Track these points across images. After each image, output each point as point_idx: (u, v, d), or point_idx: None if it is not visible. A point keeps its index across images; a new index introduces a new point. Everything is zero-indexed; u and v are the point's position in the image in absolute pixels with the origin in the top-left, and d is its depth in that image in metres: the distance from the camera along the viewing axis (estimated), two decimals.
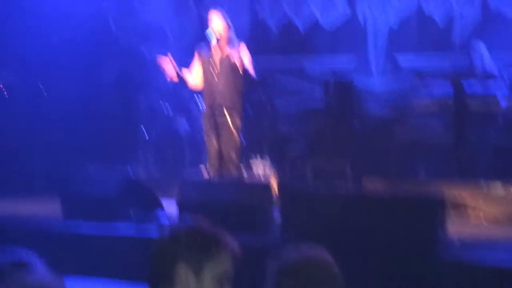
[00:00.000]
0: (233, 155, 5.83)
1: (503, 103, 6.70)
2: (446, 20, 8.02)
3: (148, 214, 5.40)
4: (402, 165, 7.21)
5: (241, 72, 5.75)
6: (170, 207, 5.50)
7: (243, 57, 5.73)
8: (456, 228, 4.97)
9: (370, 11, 8.34)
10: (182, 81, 5.94)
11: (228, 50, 5.79)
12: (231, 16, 6.01)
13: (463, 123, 6.78)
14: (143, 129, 8.14)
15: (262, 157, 7.30)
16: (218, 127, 5.84)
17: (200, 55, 5.92)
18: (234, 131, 5.79)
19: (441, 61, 7.86)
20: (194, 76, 6.00)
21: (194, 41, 8.48)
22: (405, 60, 8.13)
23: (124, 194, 5.56)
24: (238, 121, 5.82)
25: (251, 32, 8.59)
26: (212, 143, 5.86)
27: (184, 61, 8.64)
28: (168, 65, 5.79)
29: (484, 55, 6.95)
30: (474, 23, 7.90)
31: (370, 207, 4.63)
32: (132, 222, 5.31)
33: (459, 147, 6.75)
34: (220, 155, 5.89)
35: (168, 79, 5.95)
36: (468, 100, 6.74)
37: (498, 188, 6.06)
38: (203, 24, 6.11)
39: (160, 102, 8.16)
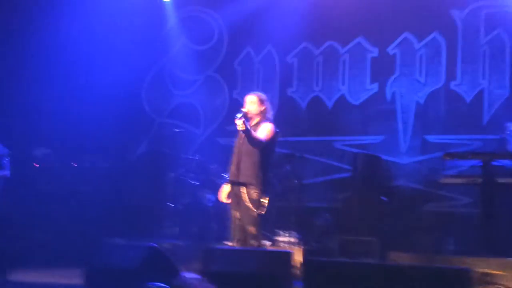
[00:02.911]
0: (251, 229, 5.82)
1: None
2: (475, 98, 8.04)
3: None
4: (430, 240, 7.05)
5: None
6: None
7: (260, 129, 5.83)
8: None
9: (398, 88, 8.44)
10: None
11: (253, 127, 5.90)
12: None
13: (492, 200, 6.65)
14: (170, 203, 8.21)
15: (288, 232, 7.26)
16: (238, 199, 5.88)
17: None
18: (250, 204, 5.80)
19: (470, 140, 7.82)
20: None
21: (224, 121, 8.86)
22: (433, 138, 8.13)
23: (147, 267, 5.54)
24: (255, 195, 5.81)
25: (281, 112, 8.77)
26: (234, 215, 5.87)
27: (215, 141, 8.92)
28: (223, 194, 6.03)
29: None
30: (503, 100, 7.90)
31: (395, 281, 4.51)
32: None
33: (488, 223, 6.60)
34: (243, 227, 5.89)
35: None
36: (497, 178, 6.65)
37: None
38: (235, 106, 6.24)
39: (187, 175, 8.26)
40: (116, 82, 8.99)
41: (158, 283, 5.36)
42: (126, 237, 7.57)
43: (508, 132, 6.95)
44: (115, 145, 8.98)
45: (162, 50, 9.65)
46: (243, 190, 5.84)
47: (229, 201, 6.02)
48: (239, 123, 5.61)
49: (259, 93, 6.13)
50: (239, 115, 5.81)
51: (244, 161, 5.88)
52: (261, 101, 5.98)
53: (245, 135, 5.74)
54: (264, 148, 5.92)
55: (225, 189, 6.04)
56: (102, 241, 7.01)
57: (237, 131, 5.92)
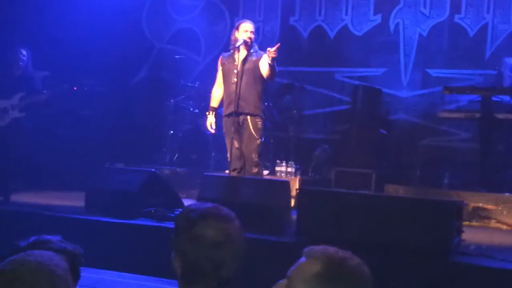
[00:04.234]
0: (254, 157, 5.90)
1: None
2: (478, 32, 7.95)
3: (169, 213, 5.46)
4: (427, 174, 7.15)
5: (262, 73, 5.83)
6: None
7: (264, 57, 5.80)
8: (475, 235, 4.91)
9: (401, 20, 8.33)
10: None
11: (250, 54, 5.88)
12: (264, 26, 6.12)
13: (490, 136, 6.70)
14: (170, 131, 8.25)
15: (287, 161, 7.34)
16: (239, 129, 5.91)
17: (222, 61, 6.05)
18: (254, 133, 5.86)
19: (471, 75, 7.78)
20: (218, 84, 6.15)
21: (224, 50, 8.76)
22: (435, 72, 8.09)
23: (147, 191, 5.63)
24: (259, 124, 5.89)
25: (282, 41, 8.66)
26: (233, 145, 5.91)
27: (215, 68, 8.86)
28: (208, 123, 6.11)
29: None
30: (506, 36, 7.82)
31: (389, 212, 4.59)
32: (153, 220, 5.37)
33: (485, 159, 6.68)
34: (241, 157, 5.95)
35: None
36: (495, 113, 6.67)
37: None
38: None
39: (187, 103, 8.26)
40: (116, 5, 8.83)
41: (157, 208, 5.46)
42: (126, 162, 7.65)
43: (505, 67, 6.91)
44: (114, 69, 8.90)
45: None
46: (249, 119, 5.87)
47: (213, 130, 6.07)
48: (274, 51, 5.56)
49: (252, 22, 6.08)
50: (240, 42, 5.80)
51: (247, 91, 5.87)
52: (254, 30, 5.96)
53: (272, 66, 5.71)
54: (264, 81, 5.94)
55: (211, 119, 6.08)
56: (103, 165, 7.09)
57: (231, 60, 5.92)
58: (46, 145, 7.50)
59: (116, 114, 8.77)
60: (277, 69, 5.84)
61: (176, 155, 8.11)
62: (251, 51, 5.93)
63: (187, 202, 5.88)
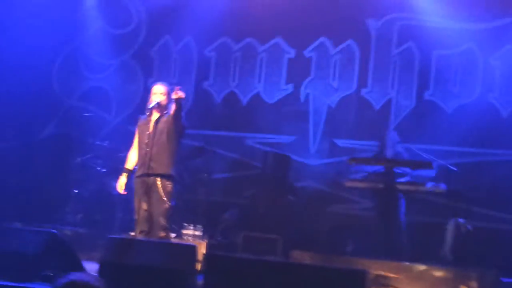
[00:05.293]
0: (162, 220, 5.80)
1: (428, 188, 6.94)
2: (383, 106, 8.35)
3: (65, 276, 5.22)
4: (332, 240, 7.28)
5: (174, 133, 5.83)
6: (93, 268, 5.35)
7: (173, 107, 5.82)
8: None
9: (312, 91, 8.63)
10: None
11: (163, 115, 5.90)
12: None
13: (391, 205, 6.96)
14: (75, 190, 8.01)
15: (195, 224, 7.27)
16: (148, 190, 5.83)
17: (138, 124, 6.04)
18: (164, 196, 5.79)
19: (376, 146, 8.12)
20: (135, 148, 6.09)
21: (137, 109, 8.72)
22: (342, 142, 8.38)
23: (46, 254, 5.39)
24: (169, 187, 5.84)
25: (195, 105, 8.75)
26: (141, 207, 5.81)
27: (126, 128, 8.76)
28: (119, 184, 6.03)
29: (395, 143, 7.27)
30: (408, 112, 8.25)
31: (295, 279, 4.61)
32: (50, 283, 5.12)
33: (386, 227, 6.91)
34: (149, 220, 5.85)
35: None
36: (397, 184, 6.96)
37: (419, 269, 6.22)
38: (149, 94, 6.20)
39: (95, 162, 8.08)
40: (26, 59, 8.63)
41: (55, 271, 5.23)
42: (26, 222, 7.30)
43: (387, 140, 7.29)
44: (19, 124, 8.63)
45: (77, 31, 9.34)
46: (158, 181, 5.80)
47: (125, 192, 5.98)
48: (182, 94, 5.59)
49: (166, 84, 6.14)
50: (153, 104, 5.82)
51: (160, 152, 5.83)
52: (169, 92, 5.99)
53: (177, 110, 5.70)
54: (177, 138, 5.92)
55: (123, 180, 5.99)
56: (0, 225, 6.73)
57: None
58: None
59: (18, 170, 8.42)
60: (182, 111, 5.85)
61: (80, 215, 7.84)
62: (165, 112, 5.94)
63: (89, 265, 5.67)
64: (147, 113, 5.95)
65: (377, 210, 7.19)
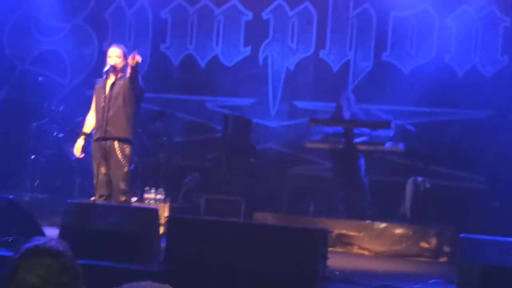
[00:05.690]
0: (122, 184, 5.72)
1: (387, 148, 7.05)
2: (341, 67, 8.38)
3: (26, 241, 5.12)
4: (294, 202, 7.35)
5: (131, 96, 5.72)
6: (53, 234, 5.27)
7: (129, 71, 5.71)
8: (340, 261, 5.09)
9: (270, 53, 8.58)
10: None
11: (119, 78, 5.77)
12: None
13: (352, 166, 7.04)
14: (32, 155, 7.83)
15: (156, 188, 7.22)
16: (106, 154, 5.73)
17: (96, 87, 5.90)
18: (122, 159, 5.70)
19: (334, 107, 8.17)
20: (93, 112, 5.95)
21: (92, 72, 8.53)
22: (301, 104, 8.40)
23: (3, 220, 5.27)
24: (128, 150, 5.74)
25: (153, 68, 8.61)
26: (100, 171, 5.72)
27: (82, 92, 8.57)
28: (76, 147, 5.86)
29: (352, 104, 7.33)
30: (366, 73, 8.30)
31: (257, 240, 4.64)
32: (9, 249, 5.02)
33: (347, 187, 7.00)
34: (109, 184, 5.76)
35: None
36: (356, 144, 7.04)
37: (380, 226, 6.36)
38: (104, 57, 6.04)
39: (51, 127, 7.90)
40: None
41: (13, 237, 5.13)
42: None
43: (343, 101, 7.35)
44: None
45: None
46: (116, 145, 5.70)
47: (82, 155, 5.89)
48: (139, 58, 5.48)
49: (122, 46, 5.98)
50: (107, 68, 5.69)
51: (116, 116, 5.71)
52: (125, 54, 5.84)
53: (133, 74, 5.59)
54: (135, 103, 5.81)
55: (80, 143, 5.88)
56: None
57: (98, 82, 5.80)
58: None
59: None
60: (139, 74, 5.75)
61: (38, 181, 7.69)
62: (121, 75, 5.80)
63: (49, 230, 5.58)
64: (104, 76, 5.81)
65: (337, 171, 7.27)
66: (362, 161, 7.13)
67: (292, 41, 8.55)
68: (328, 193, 7.41)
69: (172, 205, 7.04)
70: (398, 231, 6.40)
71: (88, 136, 5.95)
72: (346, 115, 7.27)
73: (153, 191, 7.18)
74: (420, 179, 6.89)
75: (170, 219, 5.14)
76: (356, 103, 7.48)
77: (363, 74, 8.32)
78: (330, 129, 7.38)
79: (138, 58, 5.57)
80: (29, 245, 1.96)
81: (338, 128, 7.25)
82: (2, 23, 9.04)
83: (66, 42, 9.02)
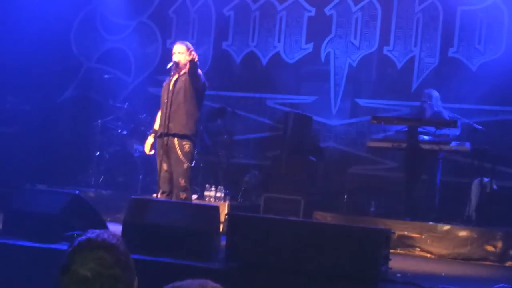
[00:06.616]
0: (182, 181, 5.77)
1: (453, 148, 6.83)
2: (406, 64, 8.20)
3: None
4: (355, 201, 7.24)
5: (191, 91, 5.77)
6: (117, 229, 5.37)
7: (189, 66, 5.75)
8: (401, 263, 4.98)
9: (332, 49, 8.49)
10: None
11: (181, 76, 5.81)
12: (196, 49, 6.08)
13: (415, 166, 6.86)
14: (97, 152, 8.02)
15: (216, 186, 7.26)
16: (168, 151, 5.79)
17: (163, 84, 5.96)
18: (181, 156, 5.75)
19: (398, 105, 8.01)
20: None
21: (157, 69, 8.66)
22: (364, 102, 8.27)
23: (69, 215, 5.41)
24: (188, 147, 5.78)
25: (215, 66, 8.66)
26: (162, 168, 5.79)
27: (145, 90, 8.72)
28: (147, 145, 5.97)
29: (435, 102, 7.11)
30: (432, 69, 8.09)
31: (317, 239, 4.58)
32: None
33: (410, 187, 6.83)
34: (171, 180, 5.83)
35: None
36: (421, 144, 6.85)
37: (444, 228, 6.18)
38: (168, 55, 6.13)
39: (116, 124, 8.07)
40: (44, 21, 8.56)
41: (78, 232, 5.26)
42: (49, 184, 7.35)
43: (426, 99, 7.14)
44: (39, 87, 8.61)
45: None
46: (176, 141, 5.76)
47: (152, 152, 5.96)
48: (195, 55, 5.54)
49: (186, 42, 6.02)
50: (170, 65, 5.75)
51: (177, 112, 5.77)
52: (189, 50, 5.88)
53: (191, 70, 5.65)
54: (196, 99, 5.85)
55: (150, 140, 5.96)
56: (24, 186, 6.79)
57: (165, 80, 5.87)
58: None
59: (40, 133, 8.44)
60: (198, 70, 5.78)
61: (102, 177, 7.87)
62: (183, 72, 5.85)
63: (112, 226, 5.70)
64: (171, 73, 5.87)
65: (401, 170, 7.10)
66: (426, 161, 6.94)
67: (355, 37, 8.43)
68: (390, 193, 7.26)
69: (231, 203, 7.06)
70: (463, 233, 6.20)
71: (157, 133, 6.03)
72: (428, 113, 7.08)
73: (213, 188, 7.23)
74: (486, 180, 6.66)
75: (230, 216, 5.15)
76: (439, 101, 7.22)
77: (428, 71, 8.11)
78: (394, 128, 7.22)
79: (194, 55, 5.61)
80: (82, 238, 1.97)
81: (402, 126, 7.08)
82: (69, 21, 9.30)
83: (131, 39, 9.19)
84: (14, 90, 7.96)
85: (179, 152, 5.74)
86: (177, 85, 5.82)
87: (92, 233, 1.95)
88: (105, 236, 1.94)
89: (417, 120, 6.98)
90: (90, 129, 8.38)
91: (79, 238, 1.94)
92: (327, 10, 8.52)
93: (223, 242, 4.88)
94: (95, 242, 1.92)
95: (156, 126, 6.00)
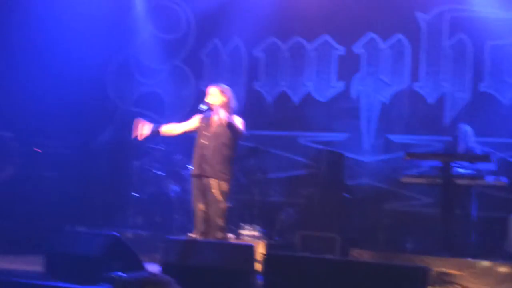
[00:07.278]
0: (219, 221, 5.85)
1: (488, 182, 6.78)
2: (437, 100, 8.22)
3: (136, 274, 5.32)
4: (391, 238, 7.20)
5: (230, 137, 5.88)
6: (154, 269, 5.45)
7: (233, 120, 5.88)
8: None
9: (363, 87, 8.57)
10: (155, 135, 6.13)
11: (220, 119, 5.93)
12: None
13: (450, 201, 6.82)
14: (134, 192, 8.16)
15: (251, 224, 7.31)
16: (204, 191, 5.88)
17: (200, 120, 6.09)
18: (219, 196, 5.83)
19: (431, 140, 8.01)
20: (180, 126, 6.17)
21: (191, 112, 8.81)
22: (396, 137, 8.29)
23: (108, 256, 5.51)
24: (225, 187, 5.88)
25: (247, 106, 8.80)
26: (198, 207, 5.88)
27: None
28: (140, 125, 6.02)
29: (468, 137, 7.10)
30: (463, 105, 8.10)
31: (355, 277, 4.59)
32: (113, 285, 5.23)
33: (447, 223, 6.77)
34: (207, 220, 5.90)
35: (134, 136, 6.12)
36: (456, 179, 6.82)
37: (483, 265, 6.08)
38: (201, 97, 6.29)
39: (151, 165, 8.22)
40: (80, 67, 8.83)
41: (119, 273, 5.34)
42: (88, 225, 7.49)
43: (459, 134, 7.13)
44: (77, 130, 8.85)
45: (128, 37, 9.54)
46: (214, 182, 5.85)
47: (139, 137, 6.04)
48: (223, 115, 5.65)
49: (220, 84, 6.18)
50: (203, 107, 5.89)
51: (214, 155, 5.88)
52: (223, 92, 6.03)
53: (231, 128, 5.78)
54: (234, 144, 5.97)
55: (146, 130, 6.05)
56: (64, 228, 6.93)
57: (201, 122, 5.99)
58: (6, 207, 7.32)
59: (78, 175, 8.65)
60: (238, 129, 5.89)
61: (139, 217, 7.99)
62: (222, 115, 5.97)
63: (149, 266, 5.78)
64: (208, 113, 6.00)
65: (437, 206, 7.05)
66: (462, 196, 6.89)
67: (385, 74, 8.50)
68: (427, 229, 7.21)
69: (267, 242, 7.09)
70: (503, 269, 6.09)
71: (156, 132, 6.08)
72: (461, 148, 7.07)
73: (248, 227, 7.27)
74: None
75: (266, 255, 5.19)
76: (472, 136, 7.21)
77: (460, 106, 8.12)
78: (428, 163, 7.21)
79: (227, 96, 5.76)
80: (138, 276, 2.04)
81: (436, 162, 7.06)
82: (105, 66, 9.58)
83: (165, 83, 9.41)
84: (54, 134, 8.19)
85: (216, 193, 5.83)
86: (215, 129, 5.93)
87: (146, 273, 2.04)
88: (159, 275, 2.03)
89: (451, 155, 6.97)
90: (127, 171, 8.54)
91: (135, 276, 2.02)
92: (356, 48, 8.63)
93: (260, 281, 4.91)
94: (153, 281, 2.00)
95: (162, 127, 6.12)
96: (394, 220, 7.78)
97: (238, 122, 5.97)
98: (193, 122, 6.17)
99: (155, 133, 6.16)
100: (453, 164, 6.87)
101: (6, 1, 8.39)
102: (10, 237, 7.20)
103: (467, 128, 7.23)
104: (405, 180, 7.24)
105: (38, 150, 7.31)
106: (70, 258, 5.51)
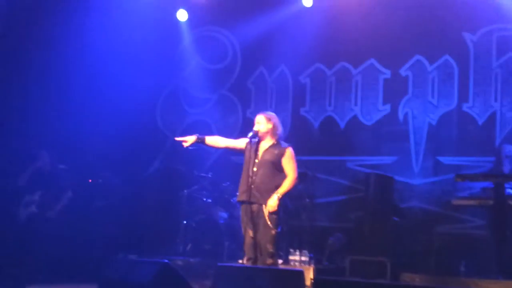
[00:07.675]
0: (269, 247, 5.86)
1: None
2: (487, 120, 8.09)
3: None
4: (442, 262, 7.05)
5: (279, 165, 5.93)
6: None
7: (286, 161, 5.94)
8: None
9: (410, 109, 8.50)
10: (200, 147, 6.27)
11: (271, 147, 5.98)
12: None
13: (503, 222, 6.66)
14: (184, 221, 8.28)
15: (300, 250, 7.29)
16: (253, 217, 5.91)
17: (248, 144, 6.14)
18: (269, 223, 5.85)
19: (482, 162, 7.86)
20: (225, 140, 6.25)
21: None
22: (446, 159, 8.17)
23: (160, 284, 5.58)
24: (275, 214, 5.90)
25: (293, 132, 8.85)
26: (247, 234, 5.91)
27: (227, 159, 8.98)
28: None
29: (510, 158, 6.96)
30: None
31: None
32: None
33: (500, 245, 6.61)
34: (256, 246, 5.92)
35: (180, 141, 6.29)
36: (508, 200, 6.66)
37: None
38: (248, 124, 6.38)
39: (201, 193, 8.33)
40: (131, 98, 9.07)
41: None
42: (139, 253, 7.63)
43: (503, 154, 6.99)
44: (128, 161, 9.08)
45: (176, 69, 9.78)
46: (263, 208, 5.88)
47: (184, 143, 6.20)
48: (274, 204, 5.81)
49: (266, 112, 6.25)
50: (250, 134, 5.97)
51: (265, 183, 5.90)
52: (268, 119, 6.08)
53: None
54: (283, 169, 6.00)
55: (191, 138, 6.19)
56: (116, 256, 7.08)
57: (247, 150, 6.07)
58: (60, 237, 7.53)
59: (129, 204, 8.84)
60: (292, 186, 5.98)
61: (189, 245, 8.09)
62: (273, 142, 6.02)
63: None
64: (256, 140, 6.07)
65: (489, 228, 6.90)
66: None
67: (432, 96, 8.43)
68: (480, 251, 7.04)
69: (317, 267, 7.05)
70: None
71: (202, 141, 6.17)
72: (507, 168, 6.93)
73: (297, 253, 7.26)
74: None
75: (316, 280, 5.16)
76: None
77: (510, 125, 7.96)
78: (479, 185, 7.07)
79: (273, 123, 5.85)
80: None
81: (487, 183, 6.92)
82: (155, 98, 9.82)
83: (213, 111, 9.57)
84: (106, 165, 8.42)
85: (267, 219, 5.85)
86: (266, 156, 5.98)
87: None
88: None
89: (503, 176, 6.82)
90: (176, 199, 8.67)
91: None
92: (403, 71, 8.60)
93: None
94: None
95: (207, 139, 6.23)
96: (445, 243, 7.63)
97: (291, 160, 5.99)
98: (239, 142, 6.24)
99: (200, 141, 6.27)
100: (506, 185, 6.73)
101: (63, 32, 8.71)
102: (65, 266, 7.39)
103: (510, 148, 7.11)
104: (456, 202, 7.12)
105: (90, 180, 7.53)
106: (122, 285, 5.60)
